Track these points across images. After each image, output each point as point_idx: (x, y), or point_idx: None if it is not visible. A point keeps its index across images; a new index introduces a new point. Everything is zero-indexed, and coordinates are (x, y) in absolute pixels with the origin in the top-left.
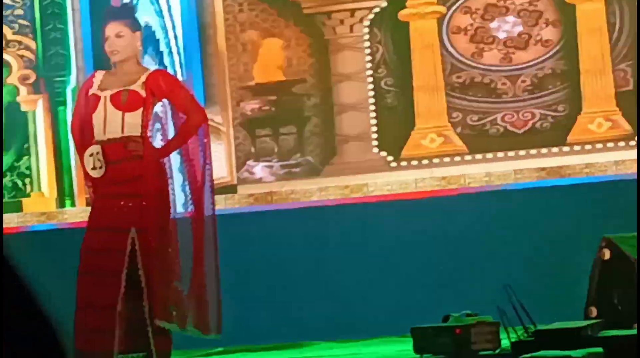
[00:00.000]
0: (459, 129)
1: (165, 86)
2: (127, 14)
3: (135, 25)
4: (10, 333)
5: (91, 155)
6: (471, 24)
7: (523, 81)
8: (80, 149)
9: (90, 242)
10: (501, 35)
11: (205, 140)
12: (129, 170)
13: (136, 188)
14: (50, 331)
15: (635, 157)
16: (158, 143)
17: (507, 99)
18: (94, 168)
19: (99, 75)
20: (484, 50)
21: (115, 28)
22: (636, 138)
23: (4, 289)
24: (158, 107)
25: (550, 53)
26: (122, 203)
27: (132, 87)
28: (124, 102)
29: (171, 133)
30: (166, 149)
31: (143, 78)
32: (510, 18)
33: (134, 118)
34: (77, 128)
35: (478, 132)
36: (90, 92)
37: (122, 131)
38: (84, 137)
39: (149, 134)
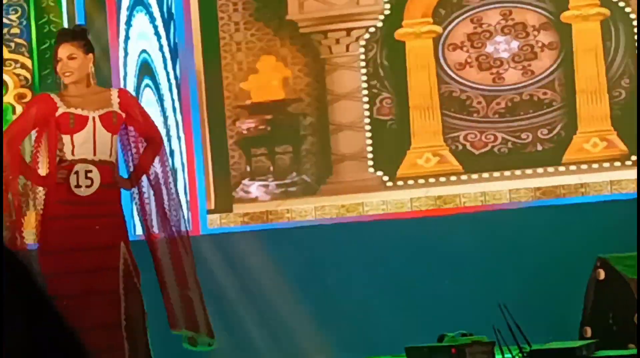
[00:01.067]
0: (459, 148)
1: (136, 108)
2: (80, 36)
3: (88, 48)
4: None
5: (75, 172)
6: (469, 39)
7: (498, 103)
8: (19, 163)
9: (68, 264)
10: (504, 55)
11: (166, 161)
12: (110, 193)
13: (114, 209)
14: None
15: (631, 177)
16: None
17: (500, 120)
18: (78, 186)
19: (55, 96)
20: (501, 73)
21: (68, 50)
22: (636, 157)
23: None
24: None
25: (534, 79)
26: (103, 221)
27: (114, 108)
28: (115, 124)
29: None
30: (137, 176)
31: (115, 98)
32: (509, 39)
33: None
34: (19, 142)
35: (477, 152)
36: (61, 111)
37: (111, 155)
38: (39, 153)
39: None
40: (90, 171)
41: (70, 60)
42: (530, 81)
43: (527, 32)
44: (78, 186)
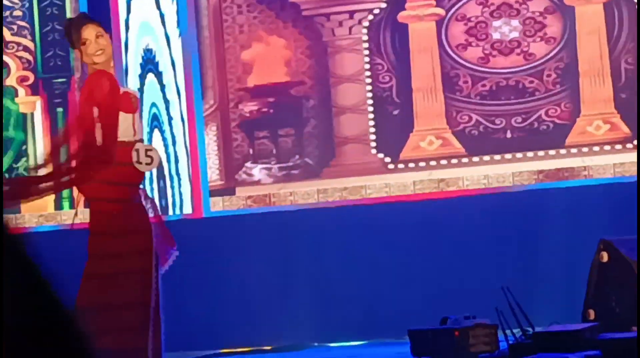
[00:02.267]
0: (466, 130)
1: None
2: (94, 19)
3: (106, 28)
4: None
5: (136, 150)
6: (477, 16)
7: (483, 85)
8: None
9: (105, 246)
10: (495, 35)
11: None
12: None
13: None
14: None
15: (634, 159)
16: None
17: (499, 103)
18: (139, 162)
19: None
20: (471, 44)
21: (94, 29)
22: (635, 141)
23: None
24: None
25: (526, 66)
26: (136, 204)
27: (133, 91)
28: (135, 105)
29: None
30: None
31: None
32: (515, 22)
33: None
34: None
35: (481, 135)
36: (123, 90)
37: (135, 134)
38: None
39: None
40: (150, 150)
41: (99, 38)
42: (521, 68)
43: (534, 18)
44: (139, 162)
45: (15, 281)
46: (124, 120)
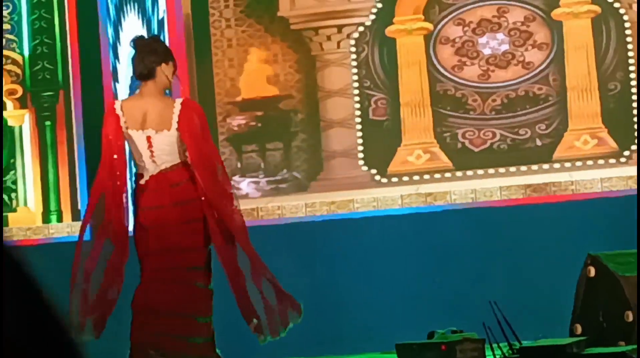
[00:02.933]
0: (453, 145)
1: None
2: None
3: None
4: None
5: None
6: (460, 36)
7: (494, 100)
8: None
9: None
10: (486, 51)
11: None
12: None
13: None
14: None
15: (621, 174)
16: None
17: (486, 117)
18: None
19: None
20: (493, 70)
21: None
22: (636, 153)
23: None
24: None
25: (529, 75)
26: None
27: None
28: None
29: None
30: None
31: None
32: (500, 35)
33: None
34: None
35: (468, 149)
36: None
37: None
38: None
39: None
40: None
41: None
42: (525, 77)
43: (518, 29)
44: None
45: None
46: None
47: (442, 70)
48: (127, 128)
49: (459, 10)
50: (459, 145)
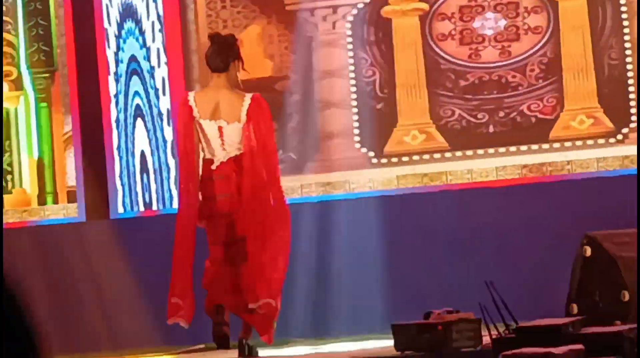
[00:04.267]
0: (450, 125)
1: None
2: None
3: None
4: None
5: None
6: (454, 29)
7: (489, 80)
8: None
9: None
10: (482, 31)
11: None
12: None
13: None
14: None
15: (617, 154)
16: None
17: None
18: None
19: None
20: (479, 50)
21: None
22: (632, 132)
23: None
24: None
25: (525, 55)
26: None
27: None
28: None
29: None
30: None
31: None
32: (490, 14)
33: None
34: None
35: (464, 129)
36: None
37: None
38: None
39: None
40: None
41: None
42: (521, 57)
43: (517, 12)
44: None
45: None
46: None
47: (438, 50)
48: (199, 118)
49: None
50: (455, 125)
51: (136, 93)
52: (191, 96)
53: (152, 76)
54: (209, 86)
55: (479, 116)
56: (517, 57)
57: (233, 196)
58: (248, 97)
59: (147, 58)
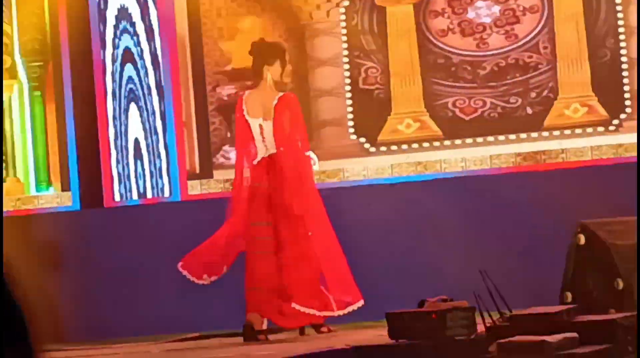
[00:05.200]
0: (444, 114)
1: None
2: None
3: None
4: None
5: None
6: (451, 23)
7: (484, 68)
8: None
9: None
10: (476, 20)
11: None
12: None
13: None
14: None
15: (611, 142)
16: None
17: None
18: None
19: None
20: (485, 38)
21: (286, 59)
22: (626, 121)
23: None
24: None
25: (519, 43)
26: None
27: None
28: None
29: None
30: None
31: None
32: (480, 3)
33: None
34: None
35: (458, 117)
36: None
37: None
38: None
39: None
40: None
41: (286, 66)
42: (515, 45)
43: (513, 9)
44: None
45: None
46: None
47: (432, 39)
48: (247, 116)
49: None
50: (449, 114)
51: (130, 79)
52: (245, 95)
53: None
54: (258, 87)
55: (511, 100)
56: (526, 37)
57: (269, 190)
58: (278, 95)
59: (140, 51)
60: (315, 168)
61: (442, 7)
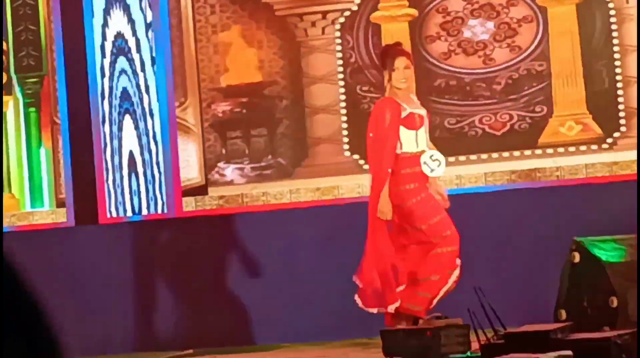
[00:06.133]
0: (436, 133)
1: None
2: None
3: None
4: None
5: (425, 163)
6: (449, 45)
7: (479, 86)
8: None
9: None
10: (470, 37)
11: None
12: None
13: None
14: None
15: (605, 160)
16: None
17: (483, 102)
18: (432, 171)
19: (396, 99)
20: (488, 54)
21: (404, 62)
22: (620, 139)
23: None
24: None
25: (515, 60)
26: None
27: (419, 111)
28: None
29: None
30: None
31: (419, 104)
32: (473, 22)
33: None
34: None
35: (455, 135)
36: (409, 111)
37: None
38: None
39: None
40: (435, 154)
41: (406, 69)
42: (511, 62)
43: (496, 10)
44: (432, 170)
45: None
46: (408, 135)
47: (449, 68)
48: None
49: (433, 3)
50: (444, 131)
51: (125, 94)
52: None
53: (140, 82)
54: None
55: (537, 109)
56: (530, 47)
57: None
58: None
59: (135, 67)
60: None
61: (436, 31)
